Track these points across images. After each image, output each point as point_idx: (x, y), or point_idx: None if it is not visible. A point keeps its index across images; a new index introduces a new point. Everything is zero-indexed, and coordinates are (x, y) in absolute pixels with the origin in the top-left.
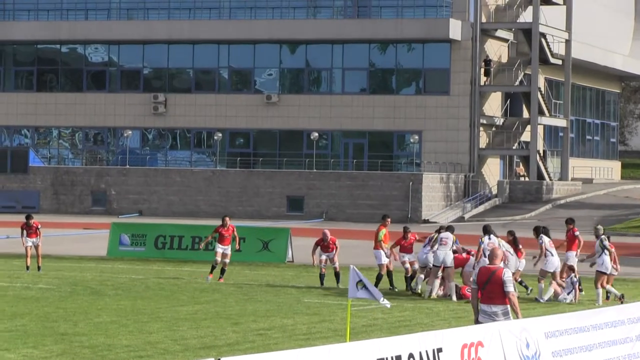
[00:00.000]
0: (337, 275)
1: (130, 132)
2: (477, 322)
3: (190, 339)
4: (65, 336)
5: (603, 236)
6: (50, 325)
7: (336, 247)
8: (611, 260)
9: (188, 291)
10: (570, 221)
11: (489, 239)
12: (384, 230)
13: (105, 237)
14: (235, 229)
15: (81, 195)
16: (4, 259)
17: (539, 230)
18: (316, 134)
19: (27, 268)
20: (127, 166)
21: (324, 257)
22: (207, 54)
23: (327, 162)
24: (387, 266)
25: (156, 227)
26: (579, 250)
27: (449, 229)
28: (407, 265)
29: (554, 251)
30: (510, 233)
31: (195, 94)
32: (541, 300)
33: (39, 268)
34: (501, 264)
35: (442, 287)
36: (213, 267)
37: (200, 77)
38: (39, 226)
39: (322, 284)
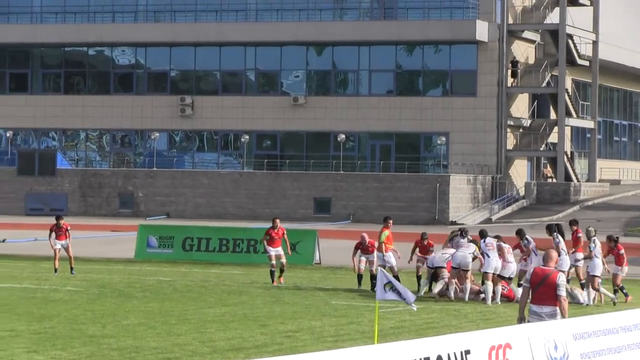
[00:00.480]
0: (373, 277)
1: (157, 135)
2: (520, 320)
3: (218, 341)
4: (93, 338)
5: (594, 238)
6: (78, 328)
7: (375, 249)
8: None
9: (216, 293)
10: (574, 222)
11: (484, 242)
12: (386, 232)
13: (133, 239)
14: (285, 232)
15: (109, 197)
16: (32, 261)
17: (552, 229)
18: (343, 136)
19: (56, 270)
20: (155, 168)
21: (363, 258)
22: (233, 56)
23: (354, 164)
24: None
25: (184, 229)
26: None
27: (464, 233)
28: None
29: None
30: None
31: (222, 96)
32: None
33: (71, 270)
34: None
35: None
36: (272, 273)
37: (227, 79)
38: (69, 228)
39: (359, 285)
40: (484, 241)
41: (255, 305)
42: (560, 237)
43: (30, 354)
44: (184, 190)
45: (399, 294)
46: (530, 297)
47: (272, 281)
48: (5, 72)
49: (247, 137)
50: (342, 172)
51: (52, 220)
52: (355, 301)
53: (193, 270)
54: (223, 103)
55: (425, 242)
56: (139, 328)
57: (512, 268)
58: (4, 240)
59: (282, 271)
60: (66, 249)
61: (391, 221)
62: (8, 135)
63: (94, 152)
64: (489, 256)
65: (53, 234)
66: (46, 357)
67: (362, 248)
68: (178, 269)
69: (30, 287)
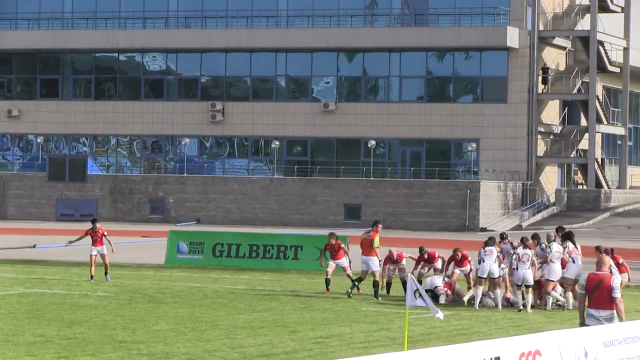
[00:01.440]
0: (404, 284)
1: (188, 140)
2: (582, 325)
3: (248, 347)
4: (123, 344)
5: (552, 243)
6: (108, 333)
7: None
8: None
9: (246, 299)
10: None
11: (484, 248)
12: (377, 237)
13: (163, 245)
14: (342, 244)
15: (139, 203)
16: (63, 267)
17: (568, 235)
18: (373, 142)
19: (92, 277)
20: (185, 174)
21: (392, 266)
22: (264, 62)
23: (385, 170)
24: (378, 274)
25: (214, 235)
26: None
27: (490, 240)
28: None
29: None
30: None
31: (253, 102)
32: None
33: (106, 275)
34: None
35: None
36: (327, 281)
37: (257, 86)
38: (105, 233)
39: (388, 292)
40: (484, 248)
41: (285, 312)
42: (569, 245)
43: (61, 359)
44: (214, 196)
45: (425, 302)
46: (587, 302)
47: (326, 289)
48: (36, 78)
49: (278, 143)
50: (372, 178)
51: (82, 226)
52: (385, 307)
53: (223, 276)
54: (254, 109)
55: (459, 255)
56: (169, 334)
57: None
58: (34, 246)
59: (354, 283)
60: (102, 256)
61: (380, 225)
62: (39, 141)
63: (125, 157)
64: (484, 261)
65: (88, 237)
66: None
67: (392, 261)
68: (208, 275)
69: (60, 292)
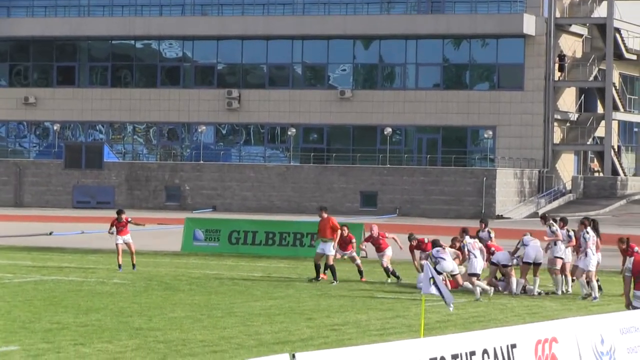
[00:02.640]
0: (387, 271)
1: (204, 128)
2: (628, 306)
3: (264, 334)
4: (140, 331)
5: (571, 230)
6: (125, 320)
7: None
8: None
9: (262, 287)
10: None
11: (470, 238)
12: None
13: (180, 232)
14: (353, 238)
15: (155, 190)
16: (80, 254)
17: (590, 223)
18: (390, 130)
19: (119, 267)
20: (201, 162)
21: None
22: (280, 49)
23: (401, 158)
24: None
25: (230, 222)
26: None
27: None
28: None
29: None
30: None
31: (269, 89)
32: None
33: (133, 266)
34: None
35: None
36: (324, 267)
37: (274, 73)
38: (130, 220)
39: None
40: (467, 241)
41: (301, 299)
42: (591, 233)
43: (77, 346)
44: (230, 183)
45: (439, 290)
46: (633, 284)
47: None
48: (53, 65)
49: (294, 130)
50: (388, 165)
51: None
52: (401, 295)
53: (239, 264)
54: (270, 96)
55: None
56: (185, 321)
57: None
58: (50, 233)
59: (360, 273)
60: (128, 244)
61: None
62: (55, 128)
63: (141, 145)
64: (475, 257)
65: (114, 228)
66: (93, 349)
67: (420, 248)
68: (224, 263)
69: (76, 279)
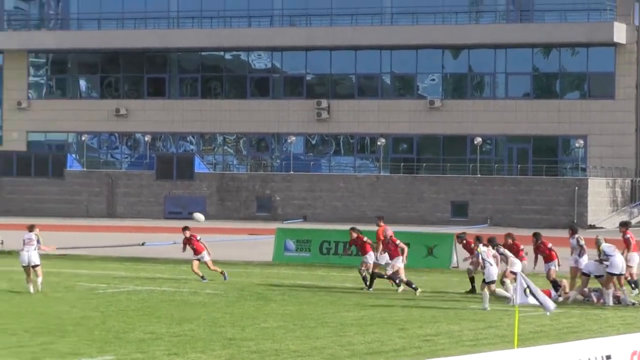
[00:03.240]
0: (374, 275)
1: (294, 138)
2: None
3: (357, 345)
4: (232, 341)
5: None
6: (217, 330)
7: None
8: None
9: (354, 297)
10: (624, 224)
11: (485, 247)
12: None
13: (271, 242)
14: (365, 238)
15: (246, 201)
16: (172, 264)
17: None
18: (480, 139)
19: (203, 277)
20: (291, 172)
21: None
22: (369, 59)
23: (491, 167)
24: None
25: (321, 232)
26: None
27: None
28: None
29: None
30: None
31: (358, 99)
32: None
33: (223, 275)
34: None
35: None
36: (364, 279)
37: (362, 83)
38: (199, 238)
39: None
40: (481, 249)
41: (393, 309)
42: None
43: (171, 356)
44: (320, 193)
45: (537, 299)
46: None
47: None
48: (143, 77)
49: (384, 140)
50: (479, 175)
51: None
52: (494, 305)
53: (330, 274)
54: (359, 107)
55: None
56: (277, 331)
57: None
58: (143, 244)
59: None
60: (205, 263)
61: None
62: (146, 139)
63: (232, 155)
64: (491, 264)
65: (185, 247)
66: (186, 359)
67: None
68: (315, 273)
69: (169, 290)
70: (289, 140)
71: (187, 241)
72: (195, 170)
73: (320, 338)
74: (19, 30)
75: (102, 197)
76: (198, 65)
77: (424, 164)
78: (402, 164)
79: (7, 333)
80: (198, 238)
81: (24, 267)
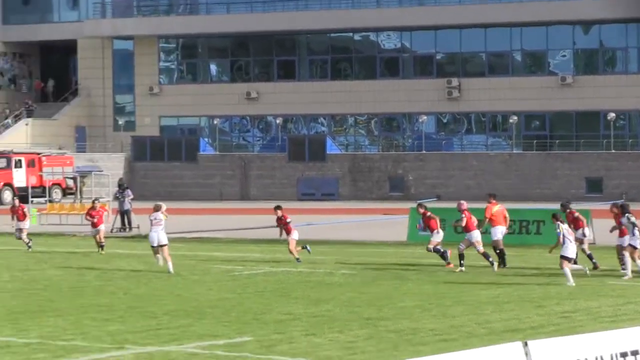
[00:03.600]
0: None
1: (425, 118)
2: None
3: (494, 323)
4: (370, 321)
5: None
6: (354, 310)
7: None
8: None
9: (490, 275)
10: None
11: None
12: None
13: (404, 222)
14: (431, 214)
15: (379, 181)
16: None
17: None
18: (613, 115)
19: (297, 259)
20: (424, 151)
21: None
22: (499, 37)
23: (625, 143)
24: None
25: (455, 211)
26: None
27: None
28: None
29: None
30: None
31: (489, 77)
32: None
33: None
34: None
35: None
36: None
37: (493, 61)
38: (289, 220)
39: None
40: (563, 227)
41: (530, 287)
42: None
43: (309, 336)
44: (453, 172)
45: None
46: None
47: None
48: (273, 60)
49: (516, 118)
50: (613, 151)
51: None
52: (633, 281)
53: (466, 252)
54: (490, 84)
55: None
56: (414, 310)
57: None
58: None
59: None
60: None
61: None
62: (278, 122)
63: (363, 136)
64: (570, 241)
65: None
66: (324, 339)
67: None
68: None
69: (305, 270)
70: (420, 120)
71: (279, 221)
72: (327, 152)
73: (457, 316)
74: (148, 16)
75: (235, 180)
76: (327, 47)
77: (557, 141)
78: (535, 141)
79: (148, 316)
80: (288, 220)
81: (152, 247)
